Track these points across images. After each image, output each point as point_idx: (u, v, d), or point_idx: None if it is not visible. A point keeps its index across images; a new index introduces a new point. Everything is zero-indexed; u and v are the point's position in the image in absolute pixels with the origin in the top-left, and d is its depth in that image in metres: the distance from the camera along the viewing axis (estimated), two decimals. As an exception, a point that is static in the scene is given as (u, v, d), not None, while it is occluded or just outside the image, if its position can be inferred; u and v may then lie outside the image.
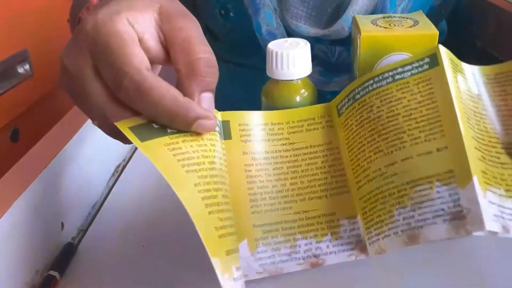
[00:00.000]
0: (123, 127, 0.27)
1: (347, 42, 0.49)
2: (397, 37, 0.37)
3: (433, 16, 0.52)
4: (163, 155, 0.27)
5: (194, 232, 0.38)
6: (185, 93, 0.27)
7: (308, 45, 0.38)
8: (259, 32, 0.50)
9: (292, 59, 0.37)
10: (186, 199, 0.26)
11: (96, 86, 0.27)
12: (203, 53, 0.27)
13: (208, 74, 0.27)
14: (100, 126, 0.29)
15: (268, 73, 0.39)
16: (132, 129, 0.27)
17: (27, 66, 0.76)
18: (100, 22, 0.26)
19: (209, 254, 0.25)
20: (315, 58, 0.40)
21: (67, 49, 0.28)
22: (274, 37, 0.48)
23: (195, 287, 0.31)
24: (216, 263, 0.25)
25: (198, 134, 0.28)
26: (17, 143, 0.75)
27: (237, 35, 0.46)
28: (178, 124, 0.27)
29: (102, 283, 0.34)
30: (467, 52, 0.59)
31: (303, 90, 0.39)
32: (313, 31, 0.49)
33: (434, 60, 0.32)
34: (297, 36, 0.46)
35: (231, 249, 0.27)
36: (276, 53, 0.37)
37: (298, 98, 0.39)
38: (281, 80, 0.38)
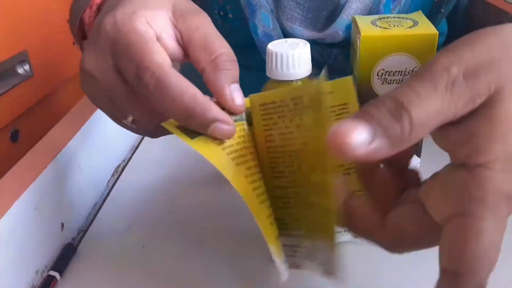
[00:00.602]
0: (171, 126, 0.27)
1: (343, 45, 0.49)
2: (397, 37, 0.38)
3: (432, 14, 0.52)
4: (214, 150, 0.27)
5: (193, 232, 0.38)
6: (214, 89, 0.27)
7: (308, 45, 0.38)
8: (255, 33, 0.50)
9: (291, 59, 0.37)
10: (243, 193, 0.26)
11: (122, 86, 0.27)
12: (224, 49, 0.28)
13: (232, 67, 0.28)
14: (134, 125, 0.29)
15: (268, 74, 0.39)
16: (179, 128, 0.27)
17: (27, 67, 0.76)
18: (120, 22, 0.27)
19: (267, 241, 0.26)
20: (311, 60, 0.40)
21: (87, 55, 0.28)
22: (270, 38, 0.48)
23: (196, 287, 0.31)
24: (272, 249, 0.27)
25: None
26: (17, 143, 0.75)
27: (236, 36, 0.47)
28: (194, 123, 0.26)
29: (102, 284, 0.34)
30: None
31: (302, 91, 0.39)
32: (308, 33, 0.49)
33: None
34: (292, 38, 0.46)
35: (277, 235, 0.28)
36: (276, 53, 0.37)
37: (297, 99, 0.39)
38: (281, 81, 0.38)
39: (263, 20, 0.48)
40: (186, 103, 0.25)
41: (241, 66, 0.30)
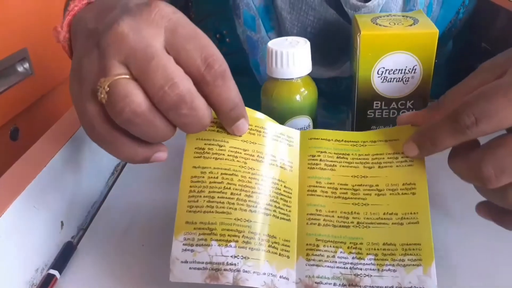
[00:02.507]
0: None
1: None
2: (397, 35, 0.38)
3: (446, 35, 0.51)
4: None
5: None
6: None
7: (308, 43, 0.38)
8: (257, 71, 0.49)
9: (292, 57, 0.37)
10: None
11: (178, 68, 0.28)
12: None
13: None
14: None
15: (268, 72, 0.39)
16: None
17: (27, 65, 0.76)
18: (168, 12, 0.28)
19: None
20: (318, 91, 0.40)
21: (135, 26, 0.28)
22: None
23: (194, 286, 0.31)
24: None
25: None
26: (16, 141, 0.75)
27: (233, 59, 0.47)
28: (234, 114, 0.30)
29: (102, 282, 0.34)
30: (472, 54, 0.59)
31: (303, 89, 0.39)
32: (321, 72, 0.48)
33: None
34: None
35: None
36: (276, 51, 0.37)
37: (298, 97, 0.39)
38: (281, 79, 0.38)
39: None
40: (237, 95, 0.29)
41: (237, 84, 0.30)
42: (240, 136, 0.32)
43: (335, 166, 0.33)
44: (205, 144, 0.32)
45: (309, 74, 0.39)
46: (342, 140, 0.34)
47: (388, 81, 0.39)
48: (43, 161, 0.36)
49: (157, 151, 0.30)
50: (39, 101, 0.81)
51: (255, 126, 0.33)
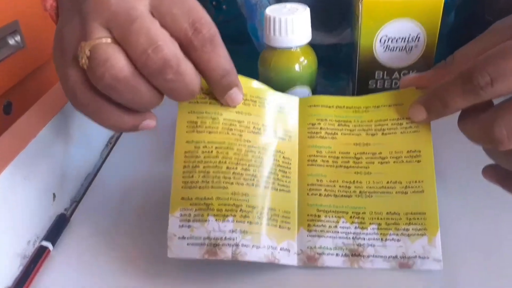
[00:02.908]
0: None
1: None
2: (401, 2, 0.36)
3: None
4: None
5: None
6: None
7: (308, 10, 0.37)
8: (255, 36, 0.47)
9: (290, 25, 0.36)
10: None
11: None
12: None
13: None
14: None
15: (265, 41, 0.37)
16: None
17: (18, 38, 0.74)
18: None
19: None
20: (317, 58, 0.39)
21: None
22: None
23: (192, 261, 0.30)
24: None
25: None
26: (10, 115, 0.74)
27: (230, 26, 0.45)
28: (225, 82, 0.29)
29: (96, 254, 0.33)
30: (475, 26, 0.58)
31: (302, 58, 0.38)
32: (322, 38, 0.46)
33: None
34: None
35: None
36: (274, 18, 0.36)
37: (297, 67, 0.38)
38: (279, 48, 0.37)
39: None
40: (228, 62, 0.28)
41: (234, 52, 0.29)
42: (234, 107, 0.31)
43: (336, 134, 0.32)
44: (197, 117, 0.31)
45: (308, 41, 0.38)
46: (344, 106, 0.33)
47: (390, 50, 0.38)
48: (32, 132, 0.35)
49: (145, 119, 0.29)
50: (32, 75, 0.79)
51: (250, 96, 0.32)
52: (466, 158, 0.36)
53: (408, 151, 0.30)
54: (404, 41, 0.37)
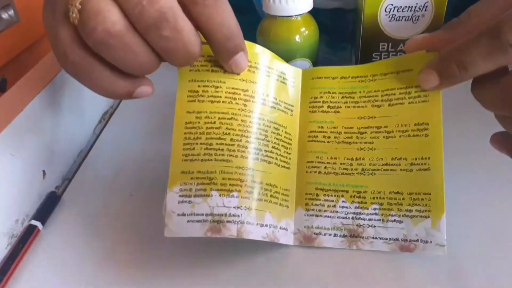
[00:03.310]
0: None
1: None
2: (408, -33, 0.34)
3: None
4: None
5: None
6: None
7: (309, -24, 0.35)
8: (259, 5, 0.45)
9: (291, -8, 0.34)
10: None
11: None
12: None
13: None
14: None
15: (264, 9, 0.35)
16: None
17: (11, 12, 0.71)
18: None
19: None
20: (320, 26, 0.36)
21: None
22: None
23: (186, 241, 0.29)
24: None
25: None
26: (5, 93, 0.72)
27: None
28: (231, 45, 0.26)
29: (88, 233, 0.32)
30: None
31: (303, 29, 0.36)
32: (326, 1, 0.44)
33: None
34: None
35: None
36: (273, -15, 0.34)
37: (297, 38, 0.36)
38: (279, 17, 0.35)
39: None
40: (234, 21, 0.26)
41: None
42: (238, 74, 0.29)
43: (340, 107, 0.30)
44: (198, 86, 0.29)
45: (309, 10, 0.36)
46: (349, 77, 0.31)
47: (396, 20, 0.36)
48: (20, 105, 0.33)
49: (141, 84, 0.27)
50: (28, 50, 0.77)
51: (255, 62, 0.29)
52: (477, 132, 0.34)
53: (415, 124, 0.28)
54: (411, 10, 0.35)
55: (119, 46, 0.23)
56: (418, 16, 0.35)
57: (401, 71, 0.29)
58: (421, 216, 0.28)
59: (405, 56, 0.29)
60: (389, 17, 0.36)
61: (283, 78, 0.31)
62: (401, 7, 0.35)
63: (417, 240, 0.28)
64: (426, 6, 0.35)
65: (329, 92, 0.31)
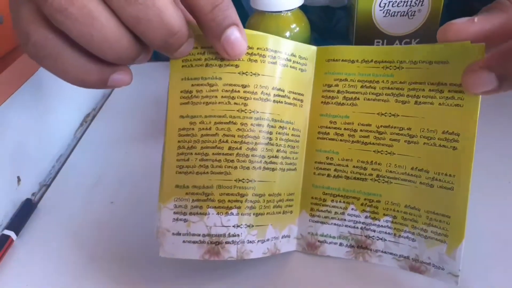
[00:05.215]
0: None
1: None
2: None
3: None
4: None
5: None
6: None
7: (299, -31, 0.33)
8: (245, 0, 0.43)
9: (280, -14, 0.32)
10: None
11: None
12: None
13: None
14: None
15: (252, 4, 0.34)
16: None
17: (-5, 12, 0.70)
18: None
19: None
20: (310, 24, 0.35)
21: None
22: None
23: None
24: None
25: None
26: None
27: None
28: (220, 15, 0.22)
29: (66, 244, 0.30)
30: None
31: (293, 25, 0.34)
32: None
33: None
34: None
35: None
36: (262, -21, 0.32)
37: (287, 34, 0.34)
38: (268, 12, 0.33)
39: None
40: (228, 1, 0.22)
41: None
42: (236, 60, 0.25)
43: (358, 99, 0.26)
44: (192, 85, 0.25)
45: (299, 5, 0.34)
46: (372, 61, 0.26)
47: (391, 15, 0.34)
48: (-8, 106, 0.31)
49: (116, 71, 0.23)
50: (13, 53, 0.75)
51: (257, 48, 0.25)
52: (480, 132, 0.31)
53: (443, 132, 0.24)
54: (406, 4, 0.34)
55: (82, 18, 0.20)
56: (414, 11, 0.34)
57: (436, 62, 0.24)
58: (436, 239, 0.25)
59: (446, 45, 0.24)
60: (383, 12, 0.34)
61: (293, 62, 0.26)
62: (396, 2, 0.34)
63: (429, 264, 0.25)
64: (422, 1, 0.33)
65: (346, 80, 0.26)
